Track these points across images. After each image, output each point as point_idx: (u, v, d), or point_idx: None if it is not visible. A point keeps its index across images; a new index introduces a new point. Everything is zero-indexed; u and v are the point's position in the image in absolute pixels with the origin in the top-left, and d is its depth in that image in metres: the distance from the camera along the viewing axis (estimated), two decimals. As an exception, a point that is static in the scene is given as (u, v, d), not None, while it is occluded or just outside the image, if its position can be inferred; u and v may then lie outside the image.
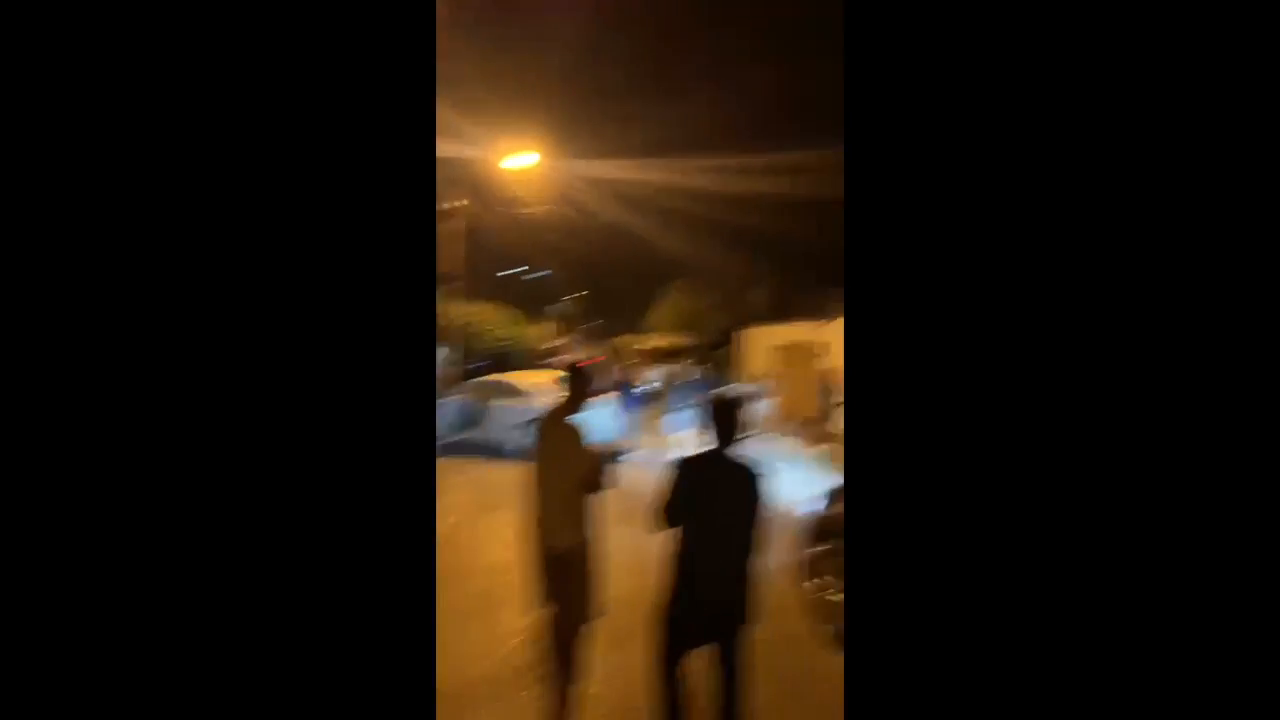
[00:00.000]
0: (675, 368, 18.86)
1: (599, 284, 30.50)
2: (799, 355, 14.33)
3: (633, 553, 3.63)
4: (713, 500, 2.09)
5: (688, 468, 2.10)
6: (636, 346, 21.31)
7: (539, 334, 21.29)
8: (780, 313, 19.61)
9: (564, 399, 2.55)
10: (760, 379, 11.03)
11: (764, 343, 16.44)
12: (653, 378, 19.21)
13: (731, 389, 2.90)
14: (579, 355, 19.17)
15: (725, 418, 2.16)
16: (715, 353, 22.96)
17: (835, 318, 12.28)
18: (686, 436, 4.63)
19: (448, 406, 9.24)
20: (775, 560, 3.58)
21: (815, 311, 14.29)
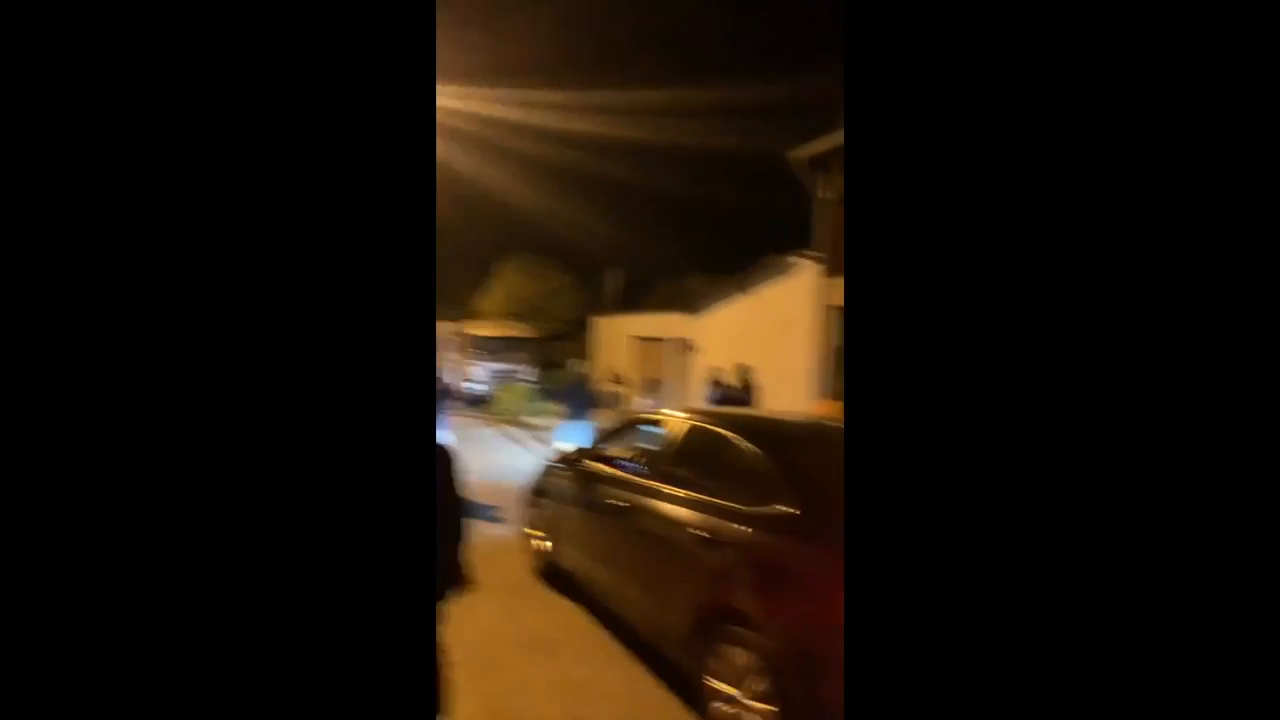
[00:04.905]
0: (507, 365, 18.50)
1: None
2: (661, 352, 14.74)
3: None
4: None
5: None
6: (457, 335, 20.51)
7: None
8: (638, 301, 20.06)
9: None
10: (613, 375, 11.20)
11: (623, 334, 16.68)
12: (479, 376, 18.71)
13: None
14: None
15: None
16: (556, 345, 22.89)
17: (704, 310, 12.80)
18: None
19: None
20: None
21: (682, 300, 14.78)
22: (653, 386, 9.48)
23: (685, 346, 13.34)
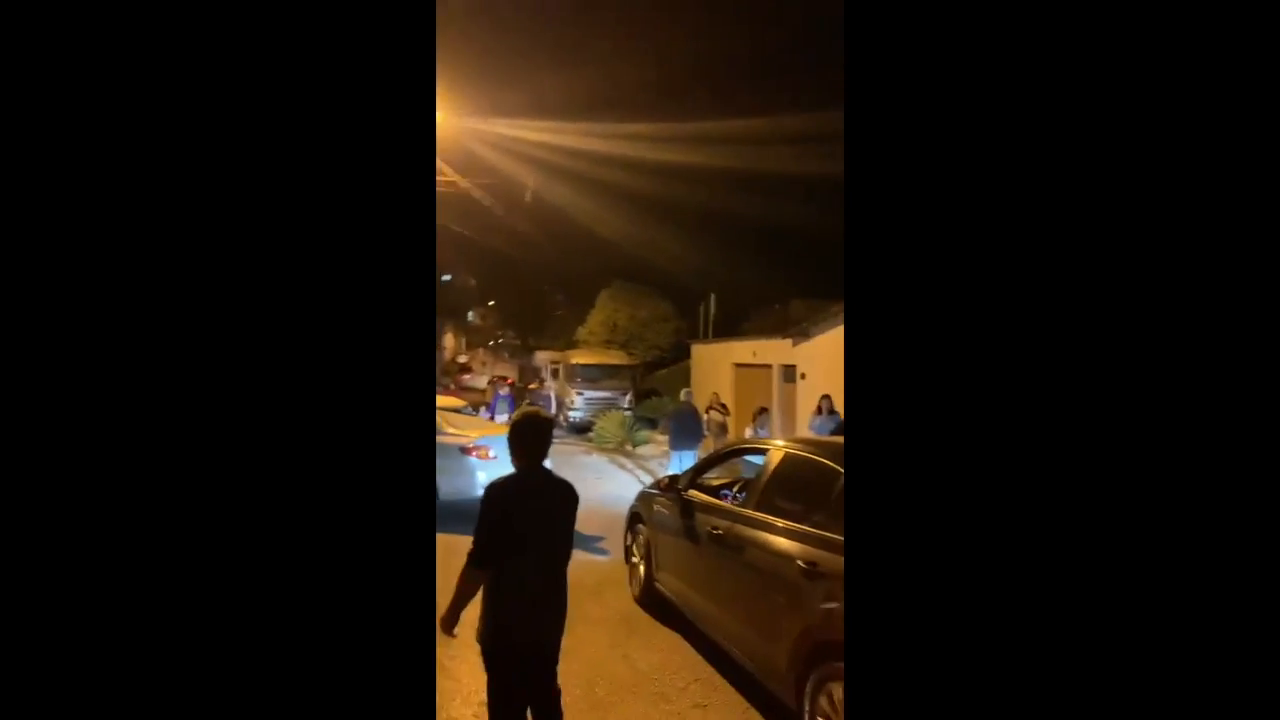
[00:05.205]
0: (606, 391, 18.65)
1: (513, 286, 29.95)
2: (767, 379, 14.47)
3: None
4: (525, 525, 2.33)
5: (496, 494, 2.32)
6: (556, 363, 20.89)
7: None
8: (736, 327, 19.84)
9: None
10: (714, 402, 11.01)
11: (725, 360, 16.53)
12: (578, 403, 18.93)
13: (537, 406, 3.36)
14: (487, 376, 18.60)
15: (533, 437, 2.42)
16: (654, 373, 22.92)
17: (811, 335, 12.48)
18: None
19: None
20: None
21: (786, 326, 14.48)
22: (761, 415, 9.21)
23: (791, 373, 13.03)
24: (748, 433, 9.26)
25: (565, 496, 2.50)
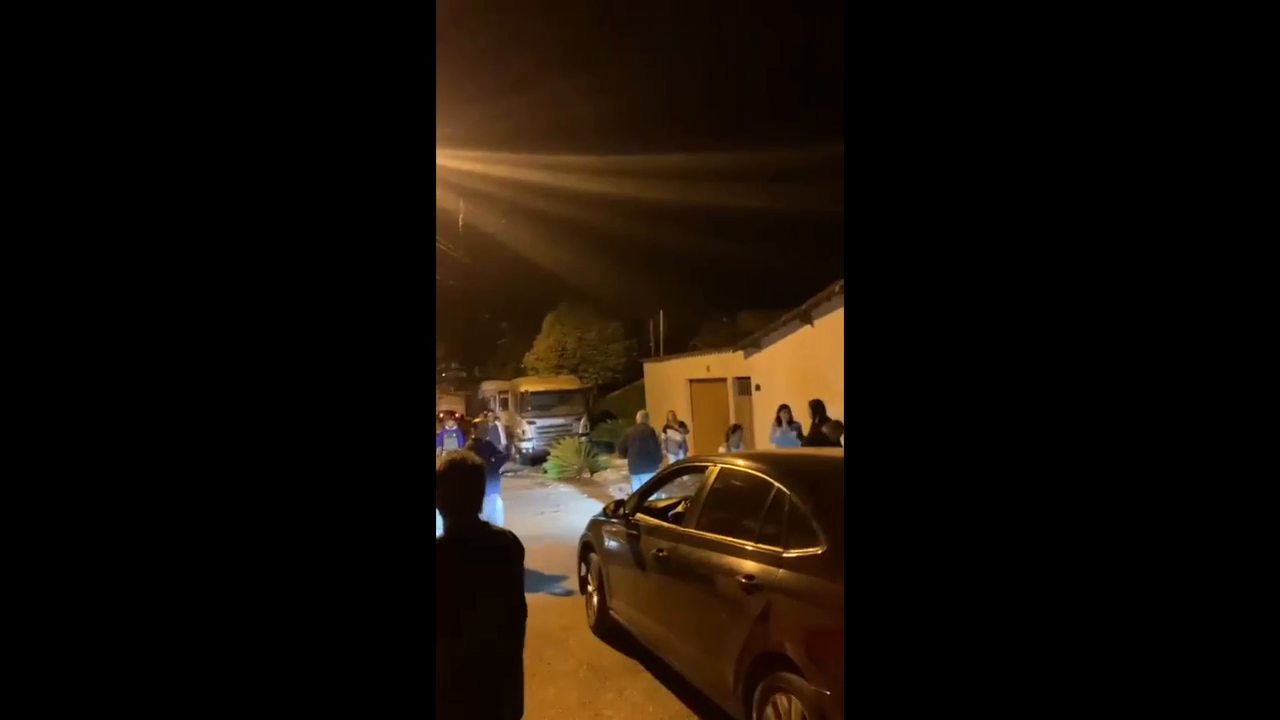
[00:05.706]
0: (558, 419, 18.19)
1: (454, 316, 29.28)
2: (723, 393, 14.27)
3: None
4: (457, 595, 1.91)
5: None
6: (504, 392, 20.30)
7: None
8: (688, 342, 19.69)
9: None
10: (672, 421, 10.68)
11: (678, 377, 16.28)
12: (530, 433, 18.42)
13: (465, 450, 3.07)
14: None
15: (460, 486, 2.03)
16: (607, 396, 22.56)
17: (763, 345, 12.35)
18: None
19: None
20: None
21: (734, 339, 14.34)
22: (735, 433, 8.89)
23: (746, 385, 12.84)
24: (721, 450, 8.98)
25: (506, 552, 2.09)
